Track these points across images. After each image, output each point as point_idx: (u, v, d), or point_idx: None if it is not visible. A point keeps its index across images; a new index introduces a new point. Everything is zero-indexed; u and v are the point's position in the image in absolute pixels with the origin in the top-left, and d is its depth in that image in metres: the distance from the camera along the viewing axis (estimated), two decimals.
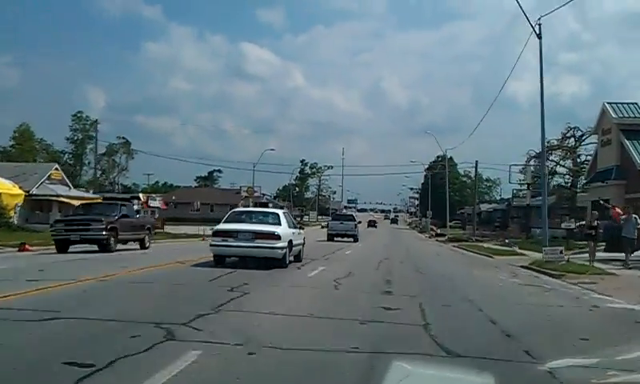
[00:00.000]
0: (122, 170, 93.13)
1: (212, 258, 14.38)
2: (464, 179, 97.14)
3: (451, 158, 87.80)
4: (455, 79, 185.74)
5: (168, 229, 43.69)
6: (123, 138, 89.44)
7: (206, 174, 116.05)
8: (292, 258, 15.19)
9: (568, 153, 44.69)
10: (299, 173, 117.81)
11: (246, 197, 54.92)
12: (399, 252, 26.65)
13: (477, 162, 47.39)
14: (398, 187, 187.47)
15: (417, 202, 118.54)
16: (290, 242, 14.80)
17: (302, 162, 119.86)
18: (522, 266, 19.11)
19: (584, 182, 37.96)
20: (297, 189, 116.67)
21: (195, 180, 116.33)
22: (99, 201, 32.97)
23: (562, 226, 41.19)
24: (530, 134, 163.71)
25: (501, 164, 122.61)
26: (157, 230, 37.47)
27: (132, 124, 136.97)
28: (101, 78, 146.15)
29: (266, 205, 77.98)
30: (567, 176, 45.30)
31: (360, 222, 44.77)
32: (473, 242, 42.20)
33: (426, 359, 4.12)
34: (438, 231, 61.90)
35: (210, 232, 21.82)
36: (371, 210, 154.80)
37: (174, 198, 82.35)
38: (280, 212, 16.53)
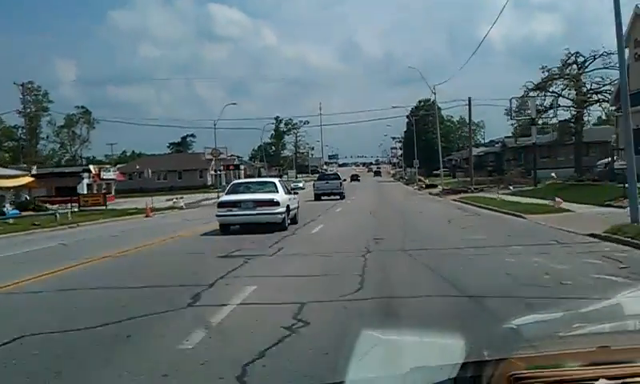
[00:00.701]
0: (83, 141, 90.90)
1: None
2: (448, 123, 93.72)
3: (434, 101, 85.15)
4: (430, 27, 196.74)
5: (120, 202, 43.22)
6: (82, 107, 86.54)
7: (179, 140, 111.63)
8: (289, 221, 17.21)
9: (571, 81, 41.36)
10: (274, 131, 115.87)
11: (209, 159, 50.75)
12: (393, 220, 19.57)
13: (470, 98, 42.90)
14: (379, 138, 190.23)
15: (400, 152, 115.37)
16: (288, 206, 17.06)
17: (276, 119, 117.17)
18: (606, 236, 11.98)
19: (613, 109, 33.87)
20: (273, 148, 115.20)
21: (168, 147, 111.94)
22: None
23: (598, 163, 38.04)
24: (507, 76, 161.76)
25: (484, 104, 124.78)
26: (96, 207, 34.82)
27: (104, 96, 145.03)
28: (70, 50, 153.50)
29: (238, 167, 74.43)
30: (571, 109, 41.86)
31: (345, 180, 48.98)
32: (472, 191, 38.39)
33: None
34: (427, 182, 58.55)
35: (168, 203, 28.81)
36: (353, 163, 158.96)
37: (137, 167, 78.71)
38: (276, 180, 19.43)
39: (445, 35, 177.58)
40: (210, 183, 72.78)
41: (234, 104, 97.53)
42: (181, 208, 34.58)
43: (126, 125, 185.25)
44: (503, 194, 32.37)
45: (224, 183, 71.47)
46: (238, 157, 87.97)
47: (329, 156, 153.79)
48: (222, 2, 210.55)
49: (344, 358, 1.52)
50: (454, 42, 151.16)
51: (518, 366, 1.32)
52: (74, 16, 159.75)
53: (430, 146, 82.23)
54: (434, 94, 38.49)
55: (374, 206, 27.43)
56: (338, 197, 37.13)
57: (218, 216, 16.55)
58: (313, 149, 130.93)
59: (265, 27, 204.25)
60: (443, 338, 1.71)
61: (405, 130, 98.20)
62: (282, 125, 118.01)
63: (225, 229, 16.23)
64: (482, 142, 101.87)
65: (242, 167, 78.95)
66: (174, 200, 36.88)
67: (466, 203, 28.41)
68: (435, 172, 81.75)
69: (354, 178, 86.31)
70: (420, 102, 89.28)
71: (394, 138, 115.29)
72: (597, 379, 1.24)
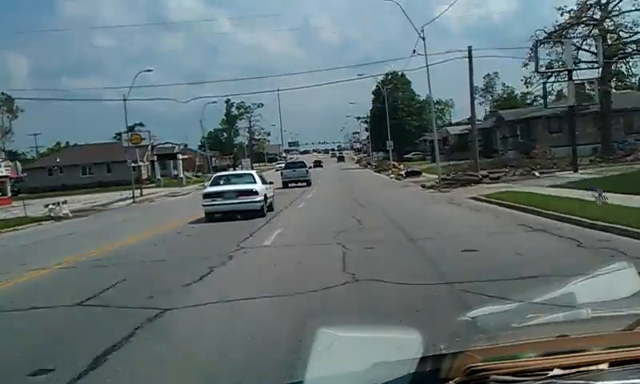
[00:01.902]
0: (5, 132, 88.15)
1: None
2: (420, 99, 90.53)
3: (403, 74, 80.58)
4: (385, 9, 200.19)
5: (17, 206, 36.07)
6: (3, 93, 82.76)
7: (125, 130, 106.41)
8: (267, 209, 21.04)
9: (593, 28, 35.60)
10: (225, 116, 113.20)
11: (130, 147, 43.55)
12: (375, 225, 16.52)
13: (470, 47, 35.22)
14: (341, 123, 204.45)
15: (365, 136, 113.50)
16: (265, 195, 21.09)
17: (226, 102, 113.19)
18: None
19: None
20: (224, 134, 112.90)
21: (114, 137, 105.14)
22: None
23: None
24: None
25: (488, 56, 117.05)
26: None
27: (58, 88, 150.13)
28: (21, 44, 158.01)
29: (174, 155, 68.34)
30: (594, 66, 35.58)
31: (311, 167, 54.04)
32: (480, 179, 30.36)
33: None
34: (404, 168, 51.25)
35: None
36: (314, 150, 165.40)
37: (57, 160, 75.49)
38: (254, 172, 23.89)
39: (400, 18, 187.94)
40: (145, 176, 66.18)
41: (150, 71, 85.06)
42: (60, 218, 27.79)
43: (72, 114, 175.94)
44: (540, 185, 24.76)
45: (158, 176, 65.46)
46: (182, 144, 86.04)
47: (289, 143, 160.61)
48: None
49: (302, 358, 1.71)
50: (409, 27, 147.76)
51: (475, 359, 1.45)
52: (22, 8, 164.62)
53: (400, 126, 79.59)
54: (423, 38, 31.23)
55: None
56: (305, 184, 42.25)
57: (204, 205, 20.34)
58: (269, 134, 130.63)
59: (220, 14, 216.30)
60: (401, 332, 1.78)
61: (370, 108, 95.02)
62: (233, 109, 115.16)
63: (210, 217, 19.97)
64: (450, 122, 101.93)
65: (179, 156, 72.85)
66: (51, 206, 29.31)
67: (522, 210, 17.16)
68: (407, 156, 79.73)
69: (317, 163, 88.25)
70: (387, 75, 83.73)
71: (358, 118, 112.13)
72: (551, 369, 1.38)
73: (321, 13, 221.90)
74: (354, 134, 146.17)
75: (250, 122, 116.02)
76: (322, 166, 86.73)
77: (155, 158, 70.82)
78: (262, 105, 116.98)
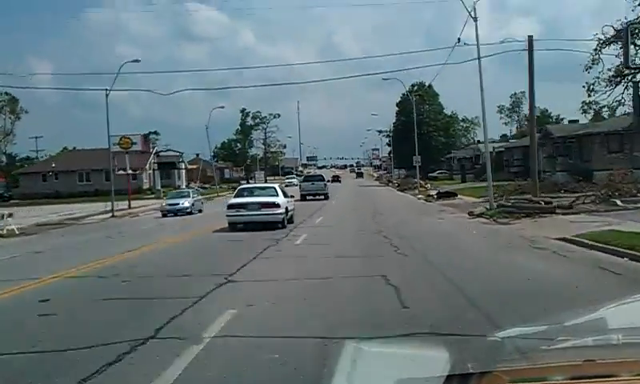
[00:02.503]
0: (6, 134, 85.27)
1: None
2: (449, 114, 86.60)
3: (431, 86, 74.58)
4: (408, 28, 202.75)
5: None
6: (7, 93, 79.00)
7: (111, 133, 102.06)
8: (287, 221, 22.50)
9: None
10: (240, 126, 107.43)
11: (119, 152, 38.37)
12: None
13: (531, 37, 27.41)
14: (359, 140, 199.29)
15: (387, 151, 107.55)
16: (286, 208, 22.61)
17: (242, 111, 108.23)
18: None
19: None
20: (238, 145, 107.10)
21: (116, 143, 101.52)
22: None
23: None
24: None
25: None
26: None
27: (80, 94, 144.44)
28: (46, 49, 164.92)
29: (173, 164, 64.18)
30: None
31: (329, 180, 58.94)
32: (551, 208, 23.36)
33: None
34: (436, 189, 46.17)
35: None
36: (332, 166, 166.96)
37: (53, 165, 71.76)
38: (276, 186, 25.52)
39: (423, 38, 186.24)
40: (146, 186, 60.30)
41: (137, 61, 69.97)
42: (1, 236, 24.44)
43: (79, 118, 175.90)
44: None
45: (158, 187, 59.44)
46: (179, 152, 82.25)
47: (307, 157, 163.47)
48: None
49: (328, 369, 1.67)
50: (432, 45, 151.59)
51: (502, 380, 1.45)
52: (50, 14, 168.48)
53: (426, 142, 73.33)
54: (475, 19, 24.12)
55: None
56: (323, 197, 44.73)
57: (227, 216, 21.79)
58: (285, 147, 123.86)
59: (245, 28, 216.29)
60: (428, 349, 1.88)
61: (394, 121, 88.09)
62: (248, 119, 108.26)
63: (233, 227, 21.31)
64: (475, 141, 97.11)
65: (182, 165, 67.12)
66: None
67: None
68: (431, 174, 74.93)
69: (335, 178, 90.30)
70: (413, 85, 75.68)
71: (380, 132, 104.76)
72: None
73: (344, 29, 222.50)
74: (373, 150, 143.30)
75: (265, 133, 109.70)
76: (339, 181, 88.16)
77: (156, 166, 64.49)
78: (279, 115, 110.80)
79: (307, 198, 43.37)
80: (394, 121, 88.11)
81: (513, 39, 38.71)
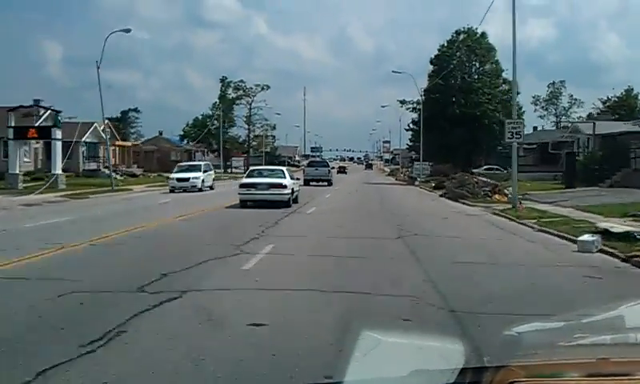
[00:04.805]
0: None
1: None
2: (502, 81, 61.90)
3: (484, 34, 56.71)
4: (422, 23, 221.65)
5: None
6: None
7: (119, 115, 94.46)
8: (293, 201, 27.84)
9: None
10: (218, 98, 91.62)
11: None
12: None
13: None
14: (367, 132, 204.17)
15: (410, 137, 77.02)
16: (292, 189, 27.71)
17: (221, 80, 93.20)
18: None
19: None
20: (215, 123, 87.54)
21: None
22: None
23: None
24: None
25: None
26: None
27: (89, 77, 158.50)
28: (57, 30, 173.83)
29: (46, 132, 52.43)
30: None
31: (333, 168, 65.38)
32: None
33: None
34: (522, 197, 27.93)
35: None
36: (339, 157, 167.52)
37: None
38: (284, 168, 31.69)
39: (437, 34, 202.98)
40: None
41: (128, 31, 50.99)
42: None
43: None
44: None
45: (58, 170, 42.02)
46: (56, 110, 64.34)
47: (311, 148, 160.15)
48: None
49: (344, 357, 1.64)
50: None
51: (518, 374, 1.46)
52: None
53: (476, 120, 55.59)
54: None
55: None
56: (326, 183, 49.49)
57: (239, 194, 26.44)
58: (274, 128, 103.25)
59: (257, 16, 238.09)
60: (443, 342, 1.78)
61: (422, 91, 63.18)
62: (229, 90, 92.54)
63: (244, 204, 25.82)
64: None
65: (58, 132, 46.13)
66: None
67: None
68: (475, 170, 51.92)
69: (341, 170, 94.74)
70: (458, 33, 60.19)
71: (402, 103, 71.07)
72: None
73: (356, 22, 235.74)
74: (384, 142, 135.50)
75: (250, 108, 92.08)
76: (345, 173, 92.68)
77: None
78: (268, 87, 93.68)
79: (311, 183, 47.16)
80: (422, 90, 62.65)
81: None
